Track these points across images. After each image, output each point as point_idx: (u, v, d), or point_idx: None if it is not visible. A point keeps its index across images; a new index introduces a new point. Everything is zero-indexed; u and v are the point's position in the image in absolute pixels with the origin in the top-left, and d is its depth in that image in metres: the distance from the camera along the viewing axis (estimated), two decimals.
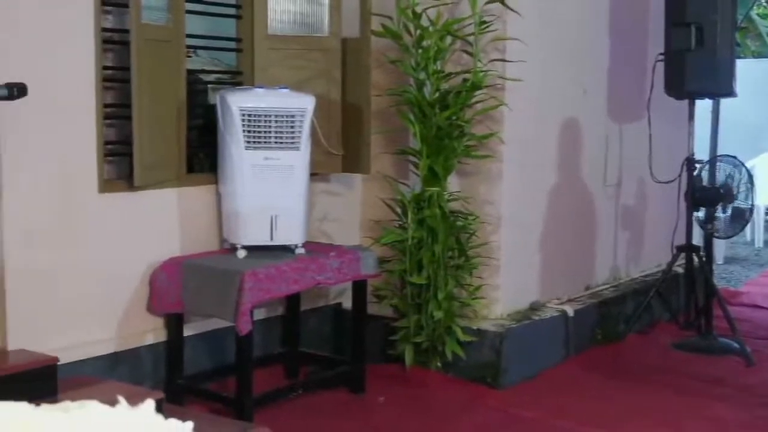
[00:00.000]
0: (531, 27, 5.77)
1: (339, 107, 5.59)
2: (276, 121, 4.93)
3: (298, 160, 4.99)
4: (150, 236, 5.01)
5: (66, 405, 0.82)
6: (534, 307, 6.09)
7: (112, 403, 0.89)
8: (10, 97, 2.71)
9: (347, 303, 5.79)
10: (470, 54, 5.58)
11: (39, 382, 4.22)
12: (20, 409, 0.79)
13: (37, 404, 0.85)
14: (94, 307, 4.78)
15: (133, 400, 0.91)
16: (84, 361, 4.69)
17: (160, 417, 0.85)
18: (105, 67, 4.81)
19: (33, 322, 4.51)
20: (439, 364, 5.62)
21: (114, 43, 4.93)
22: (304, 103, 4.98)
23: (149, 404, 0.87)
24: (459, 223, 5.64)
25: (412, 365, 5.61)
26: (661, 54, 6.39)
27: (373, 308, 5.66)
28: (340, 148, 5.60)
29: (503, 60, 5.62)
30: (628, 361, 6.22)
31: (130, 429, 0.80)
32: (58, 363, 4.36)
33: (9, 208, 4.40)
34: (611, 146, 6.91)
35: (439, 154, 5.52)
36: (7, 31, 4.32)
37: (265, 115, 4.91)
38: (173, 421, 0.88)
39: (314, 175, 5.37)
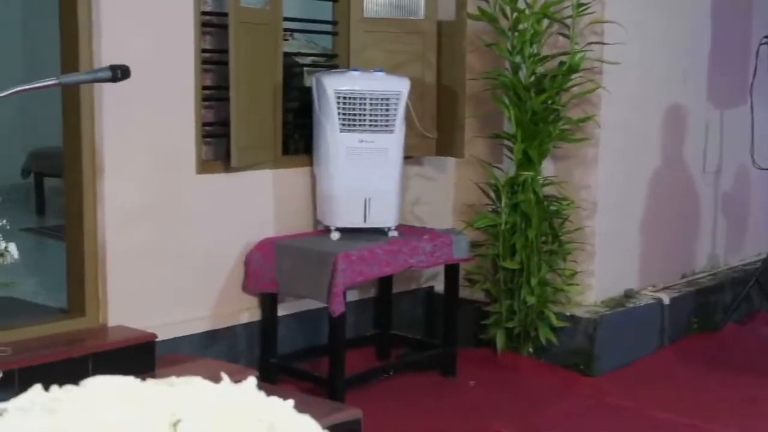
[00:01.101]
0: (630, 9, 5.66)
1: (434, 90, 5.58)
2: (371, 104, 4.94)
3: (392, 142, 5.00)
4: (246, 217, 5.08)
5: (171, 380, 0.84)
6: (629, 295, 5.99)
7: (212, 379, 0.90)
8: (113, 78, 2.76)
9: (439, 286, 5.79)
10: (567, 37, 5.50)
11: (138, 358, 4.34)
12: (129, 382, 0.81)
13: (142, 379, 0.87)
14: (191, 285, 4.88)
15: (229, 378, 0.92)
16: (180, 339, 4.79)
17: (262, 394, 0.86)
18: (204, 50, 4.89)
19: (132, 300, 4.62)
20: (530, 349, 5.58)
21: (213, 26, 5.00)
22: (400, 86, 4.98)
23: (251, 381, 0.88)
24: (553, 208, 5.59)
25: (503, 350, 5.58)
26: (765, 37, 6.21)
27: (465, 292, 5.65)
28: (434, 131, 5.59)
29: (601, 43, 5.53)
30: (725, 351, 6.09)
31: (234, 405, 0.82)
32: (156, 340, 4.47)
33: (110, 189, 4.52)
34: (711, 132, 6.75)
35: (534, 138, 5.46)
36: (112, 15, 4.42)
37: (361, 98, 4.93)
38: (275, 399, 0.89)
39: (408, 158, 5.38)
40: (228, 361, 4.89)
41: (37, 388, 0.80)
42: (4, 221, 2.90)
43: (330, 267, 4.65)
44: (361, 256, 4.77)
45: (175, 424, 0.75)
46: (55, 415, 0.75)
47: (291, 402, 0.91)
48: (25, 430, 0.73)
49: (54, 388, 0.82)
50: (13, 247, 2.88)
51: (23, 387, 2.77)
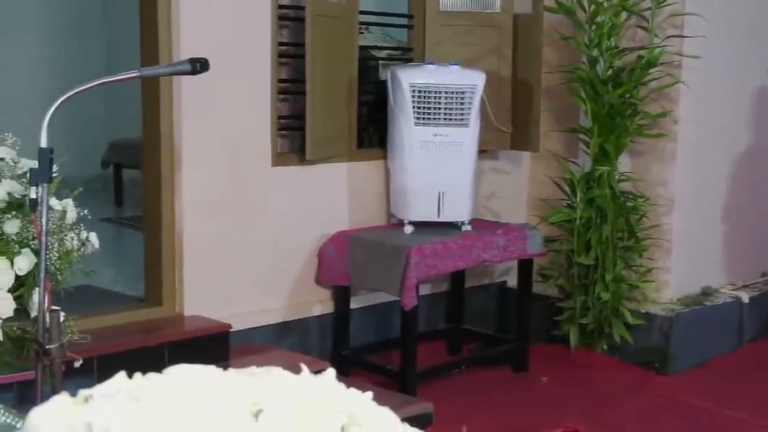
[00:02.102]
0: (711, 2, 5.55)
1: (509, 84, 5.54)
2: (446, 98, 4.93)
3: (467, 136, 4.98)
4: (320, 209, 5.11)
5: (252, 370, 0.85)
6: (706, 292, 5.89)
7: (290, 370, 0.91)
8: (193, 71, 2.79)
9: (512, 281, 5.76)
10: (646, 30, 5.42)
11: (212, 347, 4.39)
12: (211, 371, 0.81)
13: (222, 369, 0.87)
14: (264, 276, 4.92)
15: (300, 370, 0.92)
16: (254, 329, 4.84)
17: (342, 386, 0.86)
18: (280, 43, 4.92)
19: (207, 290, 4.68)
20: (604, 346, 5.52)
21: (289, 19, 5.03)
22: (475, 80, 4.96)
23: (330, 373, 0.88)
24: (629, 204, 5.51)
25: (576, 346, 5.53)
26: None
27: (538, 287, 5.61)
28: (509, 125, 5.56)
29: (680, 36, 5.44)
30: None
31: (314, 396, 0.82)
32: (230, 330, 4.53)
33: (187, 180, 4.58)
34: None
35: (610, 132, 5.40)
36: (191, 8, 4.48)
37: (435, 92, 4.92)
38: (354, 390, 0.89)
39: (482, 152, 5.35)
40: (300, 352, 4.92)
41: (122, 375, 0.81)
42: (86, 211, 2.96)
43: (403, 260, 4.66)
44: (435, 250, 4.77)
45: (256, 414, 0.76)
46: (139, 402, 0.76)
47: (369, 394, 0.91)
48: (111, 415, 0.74)
49: (137, 375, 0.83)
50: (93, 237, 2.93)
51: (101, 374, 2.82)
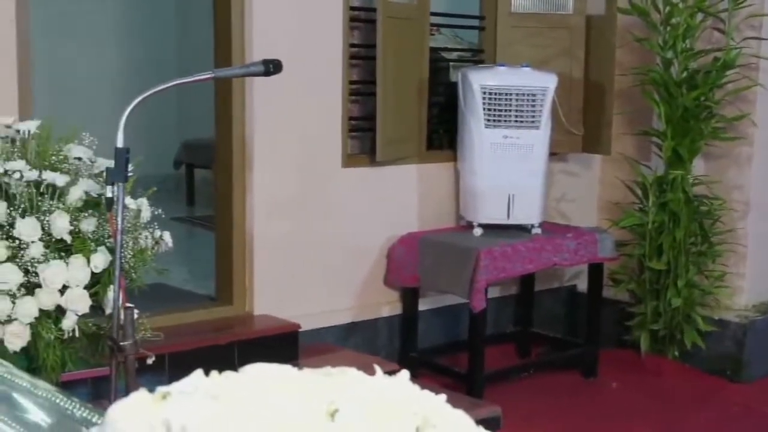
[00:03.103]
0: None
1: (581, 86, 5.49)
2: (517, 100, 4.90)
3: (537, 139, 4.95)
4: (389, 211, 5.11)
5: (327, 370, 0.85)
6: None
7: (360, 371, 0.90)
8: (266, 73, 2.81)
9: (582, 285, 5.70)
10: (722, 31, 5.32)
11: (282, 346, 4.42)
12: (287, 370, 0.82)
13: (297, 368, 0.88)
14: (333, 277, 4.94)
15: (370, 371, 0.92)
16: (322, 329, 4.86)
17: (416, 387, 0.86)
18: (352, 45, 4.94)
19: (277, 290, 4.71)
20: (676, 353, 5.43)
21: (361, 21, 5.05)
22: (546, 82, 4.92)
23: (404, 374, 0.88)
24: (703, 208, 5.42)
25: (647, 352, 5.45)
26: None
27: (608, 292, 5.54)
28: (581, 127, 5.50)
29: (758, 38, 5.33)
30: None
31: (389, 397, 0.82)
32: (299, 330, 4.55)
33: (258, 180, 4.62)
34: None
35: (684, 135, 5.31)
36: (264, 10, 4.52)
37: (506, 93, 4.89)
38: (427, 392, 0.89)
39: (553, 154, 5.31)
40: (368, 353, 4.93)
41: (199, 373, 0.82)
42: (160, 210, 3.00)
43: (472, 263, 4.64)
44: (504, 252, 4.74)
45: (332, 413, 0.76)
46: (216, 400, 0.77)
47: (443, 396, 0.91)
48: (189, 413, 0.75)
49: (214, 373, 0.83)
50: (167, 236, 2.97)
51: (172, 371, 2.85)
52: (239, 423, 0.74)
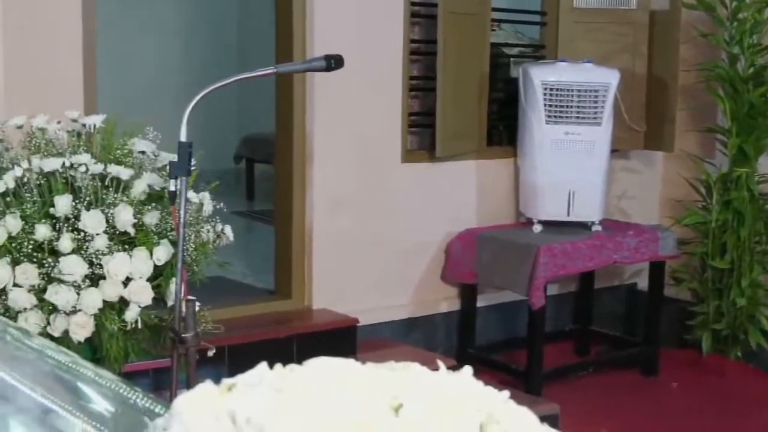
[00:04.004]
0: None
1: (643, 82, 5.42)
2: (578, 96, 4.86)
3: (599, 135, 4.90)
4: (448, 206, 5.10)
5: (391, 365, 0.85)
6: None
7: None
8: (327, 68, 2.82)
9: (643, 283, 5.63)
10: None
11: (340, 341, 4.44)
12: (350, 364, 0.82)
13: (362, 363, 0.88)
14: (392, 272, 4.95)
15: (429, 366, 0.92)
16: (380, 324, 4.87)
17: (480, 384, 0.86)
18: (412, 40, 4.94)
19: (335, 284, 4.73)
20: (739, 353, 5.34)
21: (421, 16, 5.04)
22: (609, 78, 4.87)
23: (467, 370, 0.87)
24: None
25: (709, 352, 5.37)
26: None
27: (670, 290, 5.47)
28: (643, 124, 5.44)
29: None
30: None
31: (453, 393, 0.82)
32: (358, 324, 4.57)
33: (318, 175, 4.64)
34: None
35: (750, 133, 5.22)
36: (325, 5, 4.54)
37: (568, 90, 4.85)
38: (491, 389, 0.88)
39: (614, 151, 5.25)
40: (426, 349, 4.93)
41: (263, 365, 0.82)
42: (221, 204, 3.03)
43: (531, 260, 4.61)
44: (564, 249, 4.71)
45: (396, 408, 0.75)
46: (281, 392, 0.77)
47: (506, 393, 0.90)
48: (254, 405, 0.75)
49: (278, 366, 0.84)
50: (228, 230, 3.00)
51: (232, 363, 2.87)
52: (303, 416, 0.74)
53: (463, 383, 0.86)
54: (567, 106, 4.86)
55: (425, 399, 0.78)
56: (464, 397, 0.83)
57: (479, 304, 5.17)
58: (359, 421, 0.73)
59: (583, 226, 4.99)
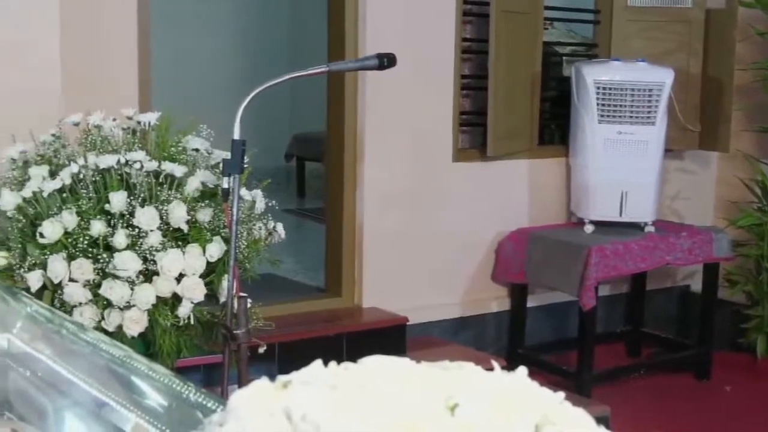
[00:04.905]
0: None
1: (698, 81, 5.36)
2: (632, 95, 4.81)
3: (652, 135, 4.85)
4: (499, 206, 5.08)
5: (445, 364, 0.85)
6: None
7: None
8: (380, 66, 2.82)
9: (696, 285, 5.56)
10: None
11: (390, 339, 4.44)
12: (405, 363, 0.82)
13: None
14: (442, 271, 4.94)
15: (481, 366, 0.91)
16: (430, 323, 4.86)
17: (535, 384, 0.85)
18: (464, 39, 4.93)
19: (385, 283, 4.73)
20: None
21: (474, 15, 5.02)
22: (663, 77, 4.82)
23: (522, 371, 0.87)
24: None
25: (763, 356, 5.29)
26: None
27: (723, 293, 5.40)
28: (698, 123, 5.37)
29: None
30: None
31: (508, 393, 0.81)
32: (407, 323, 4.57)
33: (369, 174, 4.65)
34: None
35: None
36: (377, 4, 4.54)
37: (621, 89, 4.81)
38: (546, 390, 0.88)
39: (668, 151, 5.19)
40: (475, 348, 4.91)
41: (318, 363, 0.83)
42: (273, 202, 3.04)
43: (583, 260, 4.58)
44: (616, 250, 4.66)
45: (452, 408, 0.75)
46: (336, 390, 0.77)
47: (561, 394, 0.90)
48: (309, 402, 0.75)
49: (333, 364, 0.84)
50: (280, 227, 3.01)
51: (282, 360, 2.88)
52: (359, 413, 0.74)
53: (518, 383, 0.85)
54: (620, 106, 4.82)
55: (480, 399, 0.78)
56: (519, 398, 0.82)
57: (529, 304, 5.14)
58: (414, 420, 0.73)
59: (636, 227, 4.94)
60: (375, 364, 0.82)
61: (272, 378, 0.82)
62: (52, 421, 1.77)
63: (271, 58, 8.87)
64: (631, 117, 4.83)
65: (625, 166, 4.85)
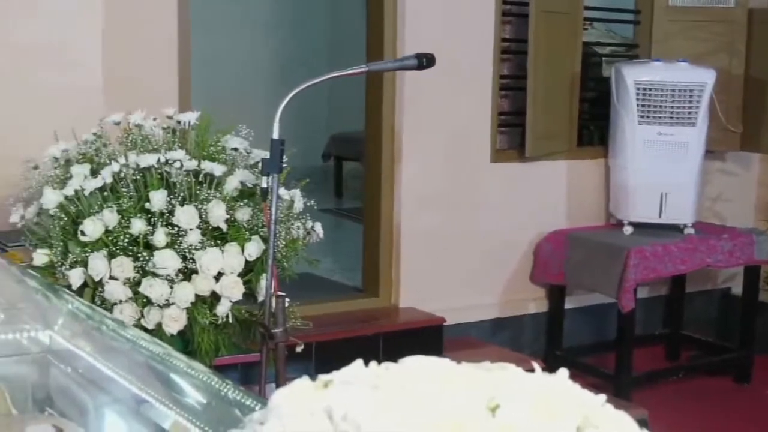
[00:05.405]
0: None
1: (740, 82, 5.30)
2: (672, 96, 4.77)
3: (693, 136, 4.81)
4: (537, 207, 5.06)
5: (487, 365, 0.84)
6: None
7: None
8: (419, 66, 2.82)
9: (737, 288, 5.50)
10: None
11: (426, 340, 4.43)
12: (446, 363, 0.82)
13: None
14: (479, 272, 4.92)
15: (521, 367, 0.91)
16: (467, 324, 4.85)
17: (576, 386, 0.85)
18: (503, 39, 4.91)
19: (422, 283, 4.73)
20: None
21: (513, 15, 5.00)
22: (704, 77, 4.77)
23: (563, 372, 0.86)
24: None
25: None
26: None
27: (765, 296, 5.33)
28: (739, 125, 5.31)
29: None
30: None
31: (550, 394, 0.81)
32: (444, 324, 4.56)
33: (407, 174, 4.64)
34: None
35: None
36: (417, 4, 4.53)
37: (662, 89, 4.77)
38: (587, 392, 0.87)
39: (709, 152, 5.14)
40: (512, 350, 4.89)
41: (359, 362, 0.82)
42: (312, 201, 3.05)
43: (622, 262, 4.55)
44: (655, 252, 4.63)
45: (493, 409, 0.75)
46: (377, 390, 0.77)
47: (603, 396, 0.89)
48: (350, 402, 0.75)
49: (373, 364, 0.84)
50: (318, 227, 3.02)
51: (318, 360, 2.88)
52: (400, 413, 0.74)
53: (559, 385, 0.85)
54: (661, 106, 4.78)
55: (522, 400, 0.77)
56: (561, 400, 0.82)
57: (567, 305, 5.11)
58: (456, 421, 0.73)
59: (675, 229, 4.90)
60: (416, 364, 0.82)
61: (310, 377, 0.82)
62: (93, 418, 1.78)
63: (310, 58, 8.89)
64: (671, 118, 4.79)
65: (665, 167, 4.81)
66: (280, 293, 2.70)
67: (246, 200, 2.85)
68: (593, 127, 5.45)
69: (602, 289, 4.75)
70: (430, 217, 4.73)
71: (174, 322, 2.72)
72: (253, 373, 3.26)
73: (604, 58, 5.67)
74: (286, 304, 2.74)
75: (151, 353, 1.67)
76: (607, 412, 0.85)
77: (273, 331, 2.68)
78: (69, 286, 2.64)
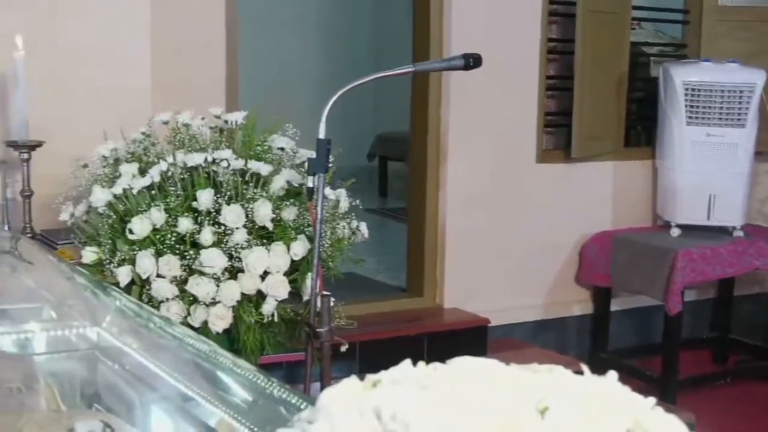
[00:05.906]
0: None
1: None
2: (721, 97, 4.72)
3: (742, 137, 4.75)
4: (583, 208, 5.03)
5: (535, 367, 0.84)
6: None
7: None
8: (466, 67, 2.81)
9: None
10: None
11: (471, 340, 4.43)
12: (495, 365, 0.81)
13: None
14: (524, 273, 4.90)
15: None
16: (511, 325, 4.83)
17: (626, 389, 0.84)
18: (550, 39, 4.88)
19: (467, 283, 4.72)
20: None
21: (559, 15, 4.98)
22: (754, 78, 4.71)
23: (613, 375, 0.86)
24: None
25: None
26: None
27: None
28: None
29: None
30: None
31: (599, 397, 0.80)
32: (488, 325, 4.54)
33: (452, 174, 4.64)
34: None
35: None
36: (464, 4, 4.53)
37: (710, 90, 4.72)
38: (636, 395, 0.86)
39: (758, 153, 5.07)
40: (557, 351, 4.87)
41: (407, 362, 0.82)
42: (357, 201, 3.05)
43: (669, 264, 4.50)
44: (703, 254, 4.58)
45: (542, 411, 0.75)
46: (425, 390, 0.77)
47: (652, 399, 0.89)
48: (399, 401, 0.75)
49: (421, 364, 0.84)
50: (363, 227, 3.02)
51: (363, 359, 2.89)
52: (449, 413, 0.74)
53: (609, 388, 0.84)
54: (709, 107, 4.72)
55: (571, 402, 0.77)
56: (610, 402, 0.81)
57: (613, 307, 5.08)
58: (504, 422, 0.73)
59: (724, 231, 4.84)
60: (464, 364, 0.82)
61: (354, 377, 0.82)
62: (139, 414, 1.80)
63: (356, 58, 8.92)
64: (720, 119, 4.73)
65: (713, 169, 4.76)
66: (325, 292, 2.71)
67: (292, 200, 2.86)
68: (641, 128, 5.40)
69: (649, 292, 4.70)
70: (475, 217, 4.72)
71: (220, 320, 2.74)
72: (298, 372, 3.27)
73: (651, 58, 5.62)
74: (331, 304, 2.75)
75: (198, 351, 1.68)
76: (657, 416, 0.84)
77: (318, 330, 2.69)
78: (117, 284, 2.67)
